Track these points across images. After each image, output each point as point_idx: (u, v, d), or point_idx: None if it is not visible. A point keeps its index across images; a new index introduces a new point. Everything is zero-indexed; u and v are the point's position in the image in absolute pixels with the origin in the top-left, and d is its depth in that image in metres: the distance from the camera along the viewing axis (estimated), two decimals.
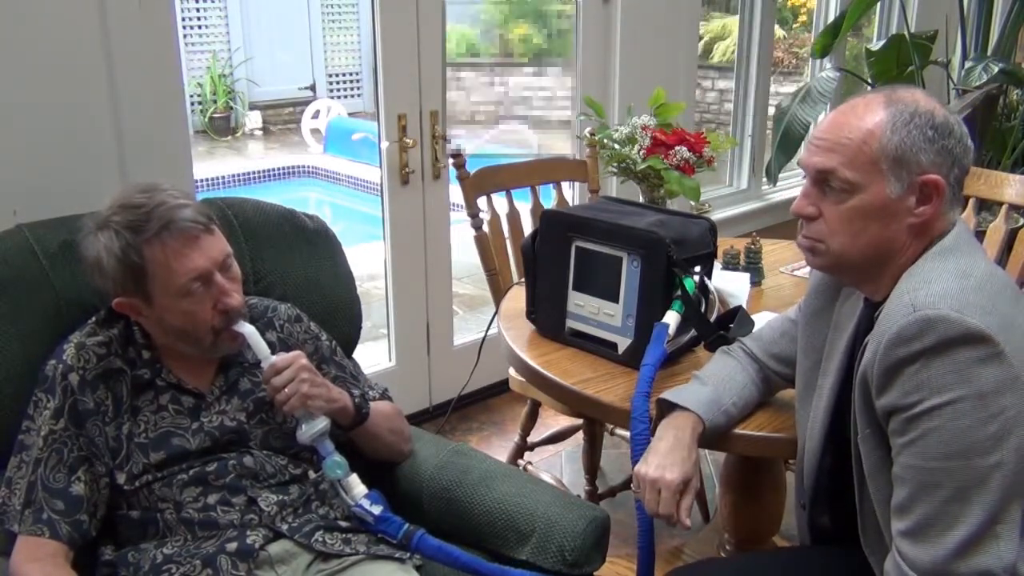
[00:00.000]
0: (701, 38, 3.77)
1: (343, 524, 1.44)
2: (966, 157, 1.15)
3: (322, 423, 1.41)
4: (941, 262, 1.13)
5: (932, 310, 1.05)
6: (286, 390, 1.37)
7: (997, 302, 1.08)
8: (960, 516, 1.05)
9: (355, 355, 1.80)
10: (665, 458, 1.31)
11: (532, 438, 2.43)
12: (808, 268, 2.10)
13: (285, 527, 1.40)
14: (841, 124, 1.15)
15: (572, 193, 3.14)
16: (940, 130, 1.12)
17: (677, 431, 1.34)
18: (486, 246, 2.26)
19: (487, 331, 2.10)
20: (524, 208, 2.38)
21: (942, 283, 1.09)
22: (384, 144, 2.66)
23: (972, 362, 1.04)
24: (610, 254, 1.60)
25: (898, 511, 1.10)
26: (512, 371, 2.23)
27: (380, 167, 2.71)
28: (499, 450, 2.73)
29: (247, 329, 1.39)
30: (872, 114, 1.14)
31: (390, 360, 2.87)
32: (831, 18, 3.86)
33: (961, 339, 1.04)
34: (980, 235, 2.05)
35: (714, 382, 1.42)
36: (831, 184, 1.16)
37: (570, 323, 1.69)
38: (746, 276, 1.94)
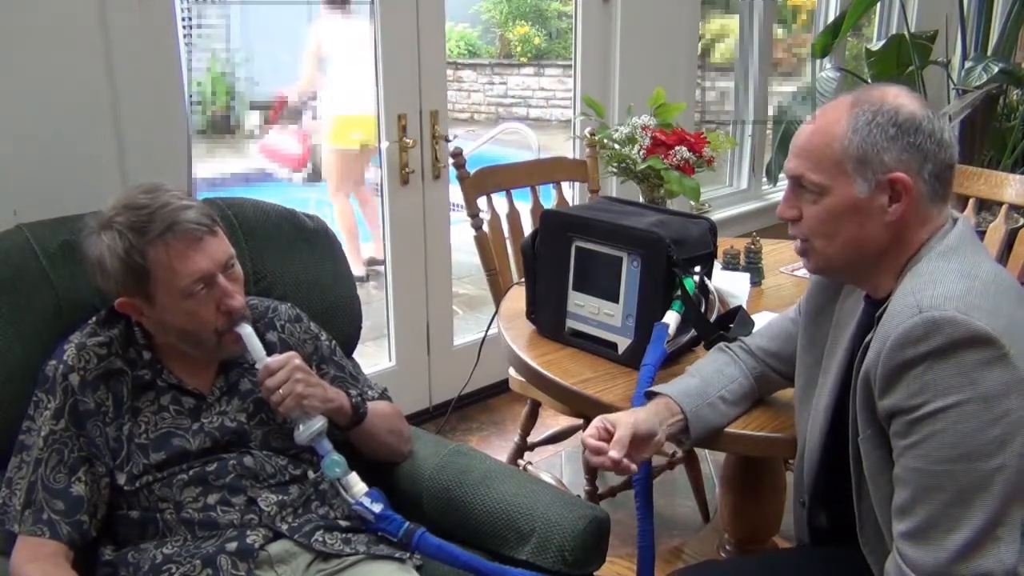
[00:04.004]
0: (701, 38, 3.77)
1: (343, 524, 1.44)
2: (942, 152, 1.14)
3: (319, 423, 1.40)
4: (945, 262, 1.12)
5: (938, 311, 1.05)
6: (280, 391, 1.37)
7: (1002, 304, 1.08)
8: (962, 519, 1.04)
9: (355, 355, 1.80)
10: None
11: (532, 438, 2.43)
12: None
13: (285, 527, 1.40)
14: (811, 129, 1.18)
15: (572, 193, 3.14)
16: (904, 127, 1.12)
17: (641, 408, 1.37)
18: (486, 246, 2.27)
19: (487, 331, 2.11)
20: (524, 208, 2.38)
21: (947, 284, 1.08)
22: (384, 144, 2.67)
23: (977, 365, 1.03)
24: (610, 254, 1.60)
25: (899, 512, 1.10)
26: (512, 371, 2.23)
27: (380, 167, 2.71)
28: (499, 450, 2.73)
29: (245, 330, 1.39)
30: (836, 117, 1.15)
31: (390, 360, 2.87)
32: (831, 18, 3.87)
33: (967, 341, 1.03)
34: (980, 235, 2.05)
35: (702, 375, 1.42)
36: (804, 187, 1.17)
37: (570, 323, 1.69)
38: (746, 276, 1.94)
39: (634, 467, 1.29)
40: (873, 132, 1.12)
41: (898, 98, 1.14)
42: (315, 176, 5.18)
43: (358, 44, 4.02)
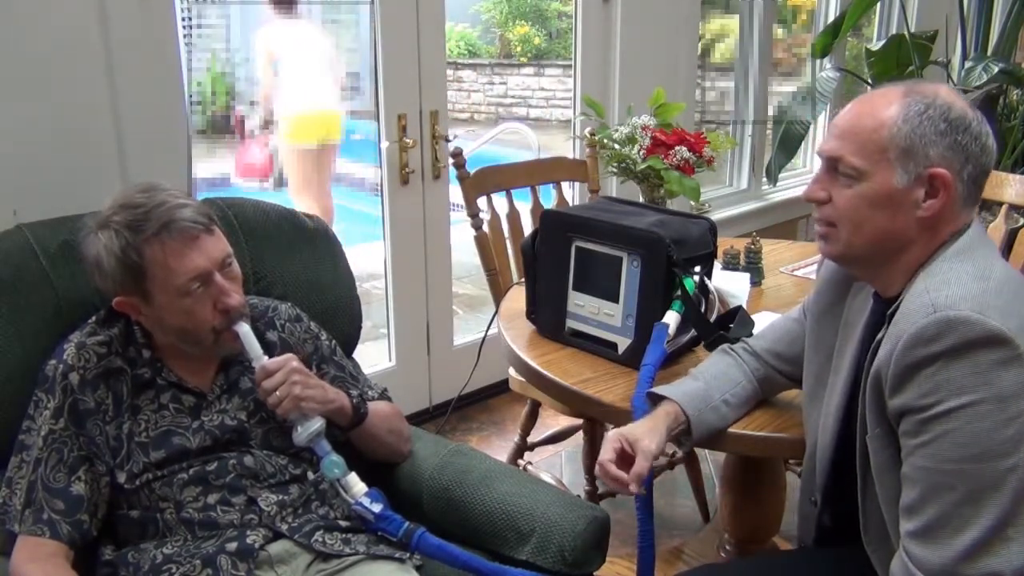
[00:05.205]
0: (701, 38, 3.77)
1: (343, 524, 1.44)
2: (984, 156, 1.13)
3: (317, 424, 1.40)
4: (958, 263, 1.12)
5: (953, 311, 1.05)
6: (277, 393, 1.37)
7: (1016, 304, 1.08)
8: (972, 518, 1.04)
9: (355, 355, 1.80)
10: (630, 426, 1.34)
11: (532, 438, 2.43)
12: (809, 268, 2.11)
13: (285, 527, 1.40)
14: (857, 112, 1.16)
15: (572, 193, 3.14)
16: (954, 124, 1.11)
17: (652, 417, 1.36)
18: (486, 246, 2.26)
19: (487, 331, 2.11)
20: (524, 208, 2.38)
21: (962, 284, 1.08)
22: (384, 144, 2.67)
23: (992, 364, 1.03)
24: (610, 254, 1.60)
25: (907, 511, 1.10)
26: (512, 371, 2.23)
27: (380, 167, 2.71)
28: (499, 450, 2.73)
29: (243, 328, 1.39)
30: (887, 103, 1.14)
31: (390, 360, 2.87)
32: (831, 18, 3.86)
33: (982, 341, 1.03)
34: None
35: (706, 377, 1.42)
36: (840, 170, 1.16)
37: (570, 323, 1.69)
38: (746, 276, 1.94)
39: (643, 491, 1.31)
40: (924, 124, 1.11)
41: (950, 96, 1.14)
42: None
43: (308, 45, 4.06)
